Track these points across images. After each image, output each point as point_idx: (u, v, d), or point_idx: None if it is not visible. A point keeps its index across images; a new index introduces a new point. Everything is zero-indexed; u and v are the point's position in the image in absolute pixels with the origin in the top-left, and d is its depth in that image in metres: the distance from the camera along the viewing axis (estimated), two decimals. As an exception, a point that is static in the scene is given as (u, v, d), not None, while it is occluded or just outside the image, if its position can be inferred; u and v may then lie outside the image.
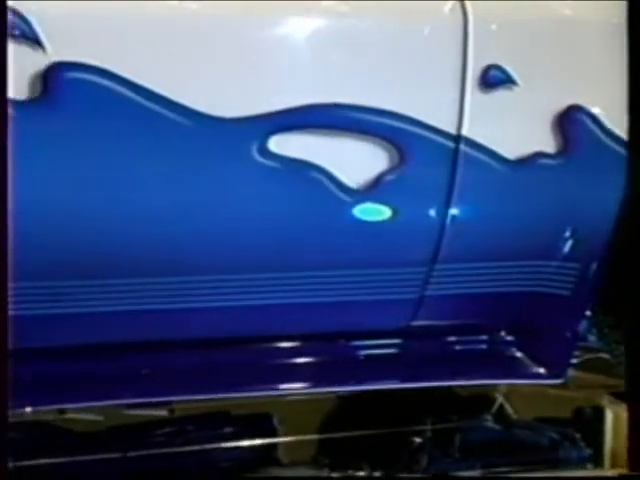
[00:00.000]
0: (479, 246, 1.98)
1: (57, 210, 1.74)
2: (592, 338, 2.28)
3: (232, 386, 2.06)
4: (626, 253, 1.78)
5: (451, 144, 1.86)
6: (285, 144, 1.80)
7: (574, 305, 2.13)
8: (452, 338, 2.17)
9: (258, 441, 2.26)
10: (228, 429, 2.28)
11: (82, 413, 2.14)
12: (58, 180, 1.72)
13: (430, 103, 1.85)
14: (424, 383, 2.14)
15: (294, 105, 1.77)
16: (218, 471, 2.23)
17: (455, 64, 1.84)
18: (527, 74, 1.87)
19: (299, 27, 1.79)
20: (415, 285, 2.01)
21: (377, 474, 2.22)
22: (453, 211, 1.92)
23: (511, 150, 1.90)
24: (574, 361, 2.22)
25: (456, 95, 1.85)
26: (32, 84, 1.64)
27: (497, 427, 2.41)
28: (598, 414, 2.39)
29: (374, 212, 1.88)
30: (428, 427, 2.33)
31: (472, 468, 2.31)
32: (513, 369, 2.19)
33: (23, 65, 1.63)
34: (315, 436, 2.31)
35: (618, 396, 2.34)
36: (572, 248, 2.04)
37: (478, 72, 1.85)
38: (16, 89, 1.63)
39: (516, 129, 1.90)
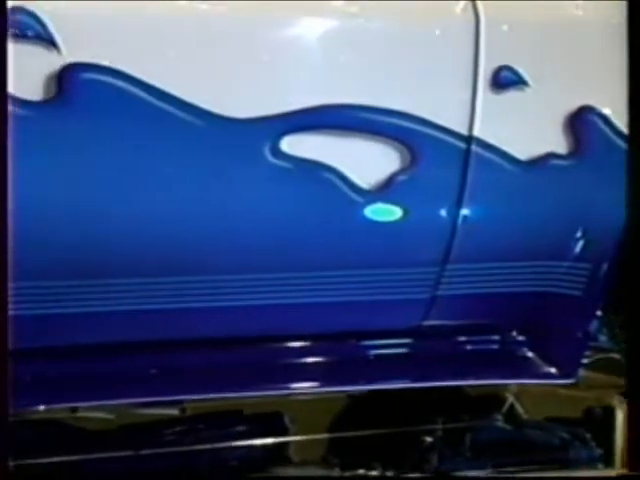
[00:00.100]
0: (490, 246, 1.99)
1: (68, 209, 1.75)
2: (603, 338, 2.28)
3: (243, 385, 2.07)
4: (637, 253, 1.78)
5: (462, 145, 1.87)
6: (297, 144, 1.80)
7: (585, 305, 2.13)
8: (463, 338, 2.17)
9: (269, 440, 2.26)
10: (239, 428, 2.29)
11: (94, 411, 2.14)
12: (71, 180, 1.73)
13: (442, 104, 1.86)
14: (435, 383, 2.14)
15: (306, 106, 1.78)
16: (229, 470, 2.23)
17: (467, 65, 1.84)
18: (538, 75, 1.87)
19: (311, 28, 1.80)
20: (427, 285, 2.02)
21: (388, 473, 2.22)
22: (464, 211, 1.92)
23: (522, 151, 1.91)
24: (585, 361, 2.22)
25: (468, 96, 1.85)
26: (47, 85, 1.65)
27: (507, 427, 2.41)
28: (608, 414, 2.38)
29: (386, 212, 1.88)
30: (439, 427, 2.33)
31: (482, 468, 2.31)
32: (524, 369, 2.19)
33: (38, 66, 1.64)
34: (326, 435, 2.31)
35: (629, 396, 2.34)
36: (583, 248, 2.04)
37: (489, 73, 1.85)
38: (31, 90, 1.65)
39: (527, 130, 1.91)
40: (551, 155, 1.93)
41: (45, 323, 1.88)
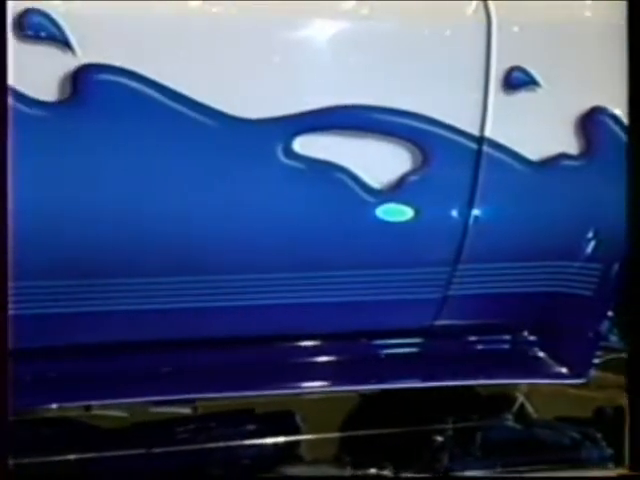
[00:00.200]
0: (502, 246, 1.99)
1: (79, 209, 1.76)
2: (614, 338, 2.28)
3: (255, 384, 2.08)
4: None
5: (474, 145, 1.88)
6: (309, 145, 1.81)
7: (596, 305, 2.14)
8: (474, 338, 2.17)
9: (280, 439, 2.27)
10: (250, 427, 2.29)
11: (108, 410, 2.15)
12: (84, 180, 1.74)
13: (453, 104, 1.86)
14: (446, 382, 2.15)
15: (318, 106, 1.79)
16: (240, 468, 2.23)
17: (478, 65, 1.85)
18: (550, 76, 1.88)
19: (322, 29, 1.80)
20: (438, 285, 2.02)
21: (398, 472, 2.23)
22: (476, 212, 1.93)
23: (534, 151, 1.91)
24: (596, 361, 2.22)
25: (479, 96, 1.86)
26: (61, 86, 1.66)
27: (518, 426, 2.41)
28: (619, 414, 2.38)
29: (397, 212, 1.89)
30: (449, 426, 2.34)
31: (492, 467, 2.31)
32: (535, 369, 2.19)
33: (53, 67, 1.65)
34: (337, 434, 2.31)
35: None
36: (594, 248, 2.04)
37: (501, 74, 1.86)
38: (46, 90, 1.66)
39: (539, 130, 1.91)
40: (562, 155, 1.93)
41: (57, 322, 1.90)
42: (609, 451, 2.39)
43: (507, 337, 2.19)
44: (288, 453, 2.27)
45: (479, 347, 2.18)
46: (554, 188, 1.95)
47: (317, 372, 2.11)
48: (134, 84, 1.69)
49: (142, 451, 2.15)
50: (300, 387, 2.12)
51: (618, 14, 1.91)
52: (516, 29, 1.87)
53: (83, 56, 1.66)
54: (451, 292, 2.03)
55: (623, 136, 1.94)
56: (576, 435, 2.43)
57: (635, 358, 1.76)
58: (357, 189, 1.86)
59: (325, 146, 1.83)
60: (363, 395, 2.34)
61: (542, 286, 2.08)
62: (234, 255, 1.88)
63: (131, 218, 1.78)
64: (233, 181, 1.81)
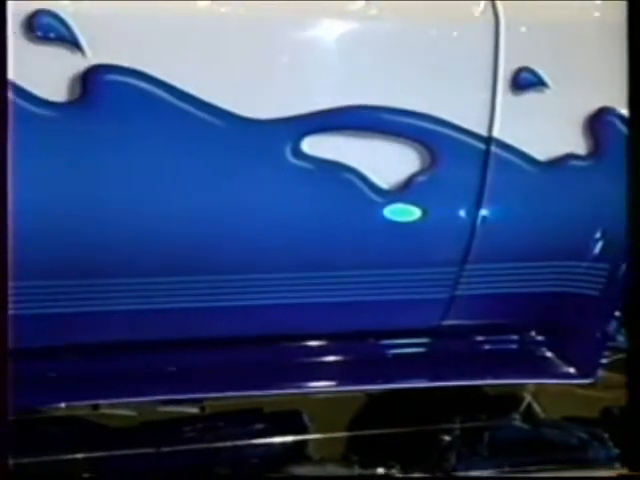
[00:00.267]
0: (509, 246, 2.00)
1: (89, 209, 1.76)
2: (621, 338, 2.28)
3: (263, 384, 2.08)
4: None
5: (482, 146, 1.88)
6: (318, 145, 1.82)
7: (604, 305, 2.14)
8: (482, 338, 2.18)
9: (288, 438, 2.27)
10: (258, 426, 2.29)
11: (116, 409, 2.16)
12: (92, 180, 1.75)
13: (461, 105, 1.87)
14: (454, 382, 2.15)
15: (327, 107, 1.79)
16: (248, 467, 2.24)
17: (486, 66, 1.85)
18: (558, 76, 1.88)
19: (330, 29, 1.81)
20: (445, 285, 2.03)
21: (406, 472, 2.23)
22: (483, 212, 1.93)
23: (542, 152, 1.92)
24: (603, 361, 2.22)
25: (487, 97, 1.86)
26: (71, 86, 1.67)
27: (525, 426, 2.41)
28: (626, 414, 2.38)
29: (405, 213, 1.90)
30: (457, 426, 2.34)
31: (499, 467, 2.31)
32: (543, 369, 2.20)
33: (62, 67, 1.66)
34: (345, 434, 2.32)
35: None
36: (602, 249, 2.04)
37: (509, 74, 1.86)
38: (55, 91, 1.67)
39: (547, 131, 1.92)
40: (570, 156, 1.94)
41: (62, 321, 1.91)
42: (616, 451, 2.39)
43: (514, 337, 2.20)
44: (296, 452, 2.27)
45: (486, 347, 2.19)
46: (562, 188, 1.96)
47: (325, 372, 2.12)
48: (143, 85, 1.70)
49: (150, 450, 2.16)
50: (308, 387, 2.12)
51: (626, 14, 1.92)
52: (524, 29, 1.87)
53: (92, 57, 1.67)
54: (459, 292, 2.04)
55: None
56: (583, 435, 2.43)
57: (635, 358, 1.76)
58: (365, 189, 1.86)
59: (333, 146, 1.83)
60: (371, 395, 2.35)
61: (550, 286, 2.08)
62: (242, 255, 1.89)
63: (141, 218, 1.79)
64: (241, 181, 1.81)
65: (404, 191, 1.88)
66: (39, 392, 1.97)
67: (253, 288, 1.94)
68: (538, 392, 2.43)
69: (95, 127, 1.71)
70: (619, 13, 1.92)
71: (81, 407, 2.11)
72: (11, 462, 1.90)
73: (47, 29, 1.63)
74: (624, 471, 2.14)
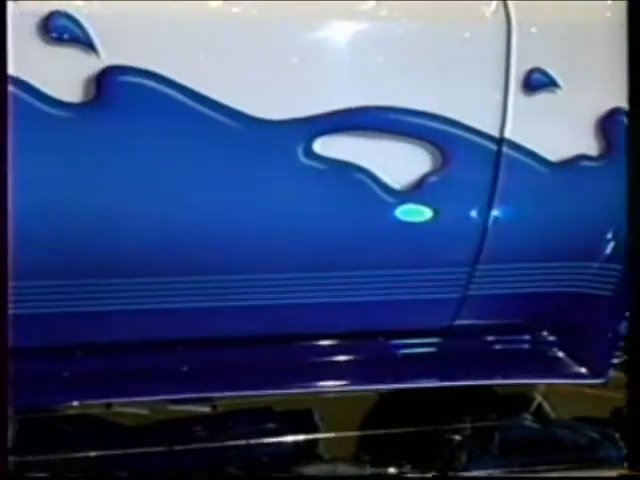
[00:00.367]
0: (521, 247, 2.00)
1: (103, 209, 1.78)
2: (632, 338, 2.27)
3: (274, 383, 2.09)
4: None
5: (494, 146, 1.88)
6: (330, 146, 1.83)
7: (615, 305, 2.14)
8: (493, 338, 2.19)
9: (299, 437, 2.28)
10: (269, 425, 2.30)
11: (128, 407, 2.17)
12: (106, 181, 1.76)
13: (473, 106, 1.87)
14: (465, 382, 2.16)
15: (339, 107, 1.80)
16: (259, 466, 2.24)
17: (498, 67, 1.86)
18: (570, 77, 1.89)
19: (342, 30, 1.81)
20: (457, 285, 2.03)
21: (416, 471, 2.23)
22: (495, 212, 1.94)
23: (554, 152, 1.92)
24: (614, 361, 2.22)
25: (499, 98, 1.87)
26: (86, 87, 1.68)
27: (536, 426, 2.41)
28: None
29: (417, 213, 1.90)
30: (468, 425, 2.34)
31: (510, 466, 2.31)
32: (554, 369, 2.20)
33: (77, 68, 1.67)
34: (356, 433, 2.32)
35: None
36: (614, 249, 2.05)
37: (521, 75, 1.86)
38: (70, 92, 1.68)
39: (559, 132, 1.92)
40: (582, 157, 1.94)
41: (79, 320, 1.92)
42: (625, 451, 2.39)
43: (526, 337, 2.20)
44: (306, 452, 2.27)
45: (498, 347, 2.19)
46: (573, 189, 1.96)
47: (336, 371, 2.13)
48: (156, 85, 1.71)
49: (162, 449, 2.17)
50: (319, 386, 2.13)
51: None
52: (536, 30, 1.87)
53: (107, 58, 1.68)
54: (470, 292, 2.04)
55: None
56: (594, 435, 2.43)
57: (635, 358, 1.76)
58: (377, 190, 1.87)
59: (345, 147, 1.84)
60: (382, 394, 2.35)
61: (561, 286, 2.09)
62: (253, 255, 1.90)
63: (154, 218, 1.80)
64: (254, 181, 1.82)
65: (416, 191, 1.89)
66: (52, 391, 1.98)
67: (264, 288, 1.95)
68: (549, 392, 2.43)
69: (109, 127, 1.72)
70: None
71: (94, 406, 2.13)
72: (11, 461, 1.93)
73: (62, 30, 1.64)
74: (624, 471, 2.14)
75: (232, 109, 1.75)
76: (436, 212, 1.91)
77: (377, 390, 2.30)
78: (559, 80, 1.88)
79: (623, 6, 1.93)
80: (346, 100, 1.81)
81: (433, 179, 1.88)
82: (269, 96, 1.78)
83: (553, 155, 1.92)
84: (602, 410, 2.44)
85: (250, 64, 1.76)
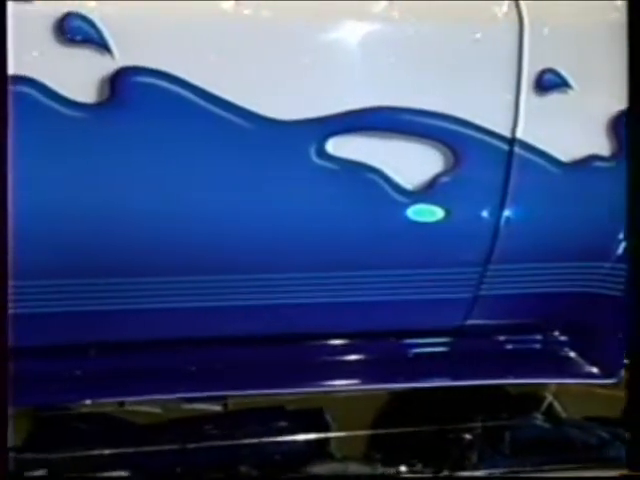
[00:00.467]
0: (533, 247, 2.00)
1: (118, 208, 1.79)
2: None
3: (286, 382, 2.10)
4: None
5: (506, 147, 1.88)
6: (342, 146, 1.83)
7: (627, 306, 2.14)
8: (505, 337, 2.19)
9: (310, 436, 2.28)
10: (281, 424, 2.31)
11: (141, 406, 2.18)
12: (121, 181, 1.77)
13: (485, 106, 1.87)
14: (476, 381, 2.16)
15: (351, 108, 1.81)
16: (271, 465, 2.25)
17: (510, 67, 1.86)
18: (582, 77, 1.88)
19: (354, 31, 1.81)
20: (469, 285, 2.03)
21: (428, 470, 2.24)
22: (507, 213, 1.94)
23: (566, 153, 1.92)
24: (626, 361, 2.22)
25: (511, 98, 1.87)
26: (100, 88, 1.69)
27: (547, 426, 2.42)
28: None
29: (429, 213, 1.91)
30: (479, 424, 2.35)
31: (521, 465, 2.31)
32: (566, 368, 2.20)
33: (92, 69, 1.68)
34: (367, 432, 2.33)
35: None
36: (625, 249, 2.05)
37: (533, 75, 1.86)
38: (84, 92, 1.69)
39: (571, 132, 1.92)
40: (594, 157, 1.94)
41: (92, 320, 1.93)
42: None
43: (537, 337, 2.20)
44: (318, 450, 2.28)
45: (509, 347, 2.19)
46: (585, 189, 1.96)
47: (348, 370, 2.13)
48: (170, 86, 1.72)
49: (175, 447, 2.18)
50: (331, 385, 2.14)
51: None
52: (548, 30, 1.87)
53: (121, 59, 1.69)
54: (482, 292, 2.05)
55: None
56: (604, 435, 2.43)
57: (635, 357, 1.76)
58: (389, 190, 1.87)
59: (357, 147, 1.84)
60: (393, 393, 2.36)
61: (573, 286, 2.09)
62: (266, 254, 1.91)
63: (169, 218, 1.81)
64: (266, 182, 1.83)
65: (428, 191, 1.89)
66: (65, 389, 1.99)
67: (276, 287, 1.96)
68: (560, 392, 2.43)
69: (123, 128, 1.73)
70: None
71: (107, 404, 2.14)
72: (23, 459, 1.94)
73: (77, 32, 1.65)
74: (624, 471, 2.14)
75: (245, 109, 1.76)
76: (448, 212, 1.91)
77: (388, 389, 2.31)
78: (571, 80, 1.88)
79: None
80: (358, 100, 1.81)
81: (445, 179, 1.89)
82: (282, 96, 1.79)
83: (565, 155, 1.92)
84: (614, 410, 2.44)
85: (262, 65, 1.77)
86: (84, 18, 1.65)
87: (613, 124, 1.92)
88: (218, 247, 1.86)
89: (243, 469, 2.21)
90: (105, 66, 1.68)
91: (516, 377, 2.21)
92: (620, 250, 2.05)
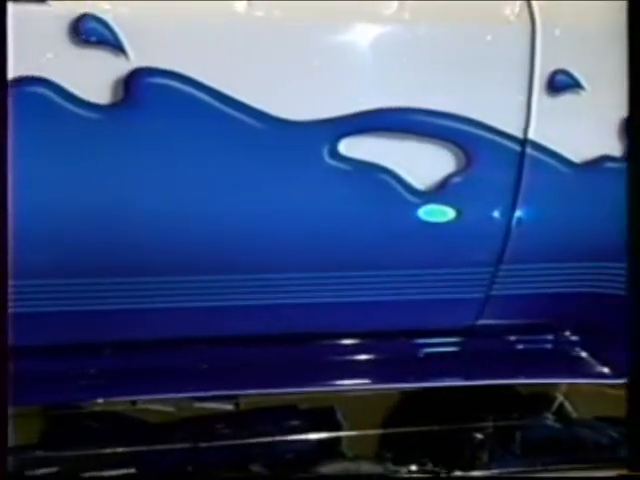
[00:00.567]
0: (544, 247, 2.00)
1: (128, 208, 1.80)
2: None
3: (298, 381, 2.10)
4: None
5: (518, 147, 1.89)
6: (355, 147, 1.84)
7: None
8: (516, 337, 2.19)
9: (322, 435, 2.29)
10: (293, 423, 2.31)
11: (153, 404, 2.19)
12: (135, 181, 1.78)
13: (497, 107, 1.88)
14: (487, 381, 2.16)
15: (364, 109, 1.81)
16: (282, 463, 2.26)
17: (522, 68, 1.86)
18: (594, 78, 1.89)
19: (366, 33, 1.82)
20: (480, 285, 2.04)
21: (439, 469, 2.25)
22: (519, 213, 1.94)
23: (577, 153, 1.93)
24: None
25: (523, 99, 1.87)
26: (114, 89, 1.71)
27: (557, 425, 2.42)
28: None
29: (441, 213, 1.91)
30: (490, 424, 2.35)
31: (532, 465, 2.32)
32: (577, 368, 2.20)
33: (106, 70, 1.70)
34: (378, 431, 2.34)
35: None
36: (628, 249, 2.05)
37: (545, 76, 1.87)
38: (99, 93, 1.71)
39: (582, 133, 1.92)
40: (606, 158, 1.94)
41: (105, 319, 1.94)
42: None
43: (548, 337, 2.20)
44: (329, 449, 2.28)
45: (520, 347, 2.20)
46: (597, 190, 1.96)
47: (359, 370, 2.14)
48: (184, 87, 1.73)
49: (187, 445, 2.19)
50: (342, 384, 2.14)
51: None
52: (560, 31, 1.87)
53: (135, 60, 1.70)
54: (493, 292, 2.05)
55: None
56: (615, 434, 2.43)
57: (635, 357, 1.76)
58: (401, 190, 1.88)
59: (370, 148, 1.85)
60: (404, 393, 2.36)
61: (584, 286, 2.09)
62: (278, 254, 1.92)
63: (182, 218, 1.82)
64: (279, 182, 1.84)
65: (439, 192, 1.90)
66: (78, 388, 2.01)
67: (289, 287, 1.97)
68: (570, 392, 2.43)
69: (137, 128, 1.74)
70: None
71: (119, 403, 2.15)
72: (34, 457, 1.95)
73: (92, 33, 1.67)
74: (624, 471, 2.14)
75: (257, 110, 1.77)
76: (460, 212, 1.92)
77: (400, 389, 2.31)
78: (583, 81, 1.88)
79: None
80: (371, 101, 1.82)
81: (457, 180, 1.89)
82: (294, 97, 1.80)
83: (577, 156, 1.93)
84: (623, 410, 2.44)
85: (275, 65, 1.78)
86: (99, 19, 1.67)
87: (625, 125, 1.92)
88: (228, 247, 1.87)
89: (254, 468, 2.22)
90: (119, 67, 1.70)
91: (527, 377, 2.21)
92: (632, 250, 2.05)
